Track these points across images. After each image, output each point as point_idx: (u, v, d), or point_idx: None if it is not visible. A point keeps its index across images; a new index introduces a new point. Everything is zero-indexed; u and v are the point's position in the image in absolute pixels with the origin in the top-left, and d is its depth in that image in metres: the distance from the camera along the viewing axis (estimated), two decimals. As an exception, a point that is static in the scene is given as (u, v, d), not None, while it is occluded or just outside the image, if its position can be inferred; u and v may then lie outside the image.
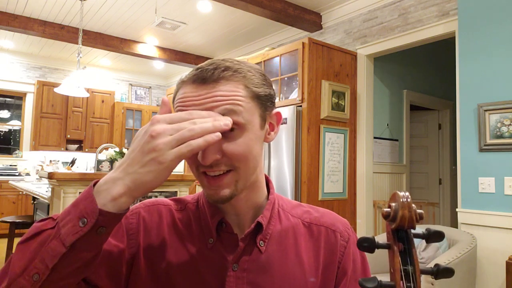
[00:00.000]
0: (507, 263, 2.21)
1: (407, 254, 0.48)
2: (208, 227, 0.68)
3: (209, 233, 0.67)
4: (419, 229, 0.48)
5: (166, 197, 2.79)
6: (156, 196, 2.76)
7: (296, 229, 0.71)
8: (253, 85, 0.63)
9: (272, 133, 0.69)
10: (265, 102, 0.65)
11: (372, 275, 0.51)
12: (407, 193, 0.48)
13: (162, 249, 0.67)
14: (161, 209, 0.71)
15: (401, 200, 0.47)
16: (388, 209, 0.49)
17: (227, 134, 0.60)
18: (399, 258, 0.47)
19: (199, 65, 0.63)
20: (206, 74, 0.61)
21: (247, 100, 0.62)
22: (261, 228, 0.67)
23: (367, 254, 0.73)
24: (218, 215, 0.67)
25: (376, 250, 0.48)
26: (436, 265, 0.47)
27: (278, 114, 0.69)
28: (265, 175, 0.73)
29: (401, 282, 0.46)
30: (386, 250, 0.50)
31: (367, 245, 0.48)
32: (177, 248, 0.67)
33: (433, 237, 0.48)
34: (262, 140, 0.67)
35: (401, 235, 0.49)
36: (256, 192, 0.69)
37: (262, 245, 0.67)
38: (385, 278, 0.46)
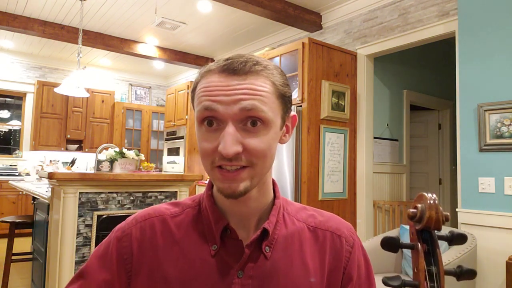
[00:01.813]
0: (507, 263, 2.21)
1: (431, 255, 0.48)
2: (211, 233, 0.66)
3: (212, 240, 0.66)
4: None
5: (166, 197, 2.79)
6: (156, 196, 2.76)
7: (302, 233, 0.70)
8: (279, 83, 0.63)
9: (287, 135, 0.69)
10: (287, 103, 0.65)
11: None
12: (434, 195, 0.48)
13: (159, 263, 0.65)
14: (153, 222, 0.69)
15: (428, 201, 0.47)
16: (414, 210, 0.49)
17: (250, 129, 0.60)
18: (424, 259, 0.47)
19: (228, 57, 0.63)
20: (237, 65, 0.60)
21: (273, 97, 0.62)
22: (266, 234, 0.66)
23: (371, 256, 0.72)
24: (222, 221, 0.66)
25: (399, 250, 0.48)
26: (459, 266, 0.47)
27: (294, 117, 0.69)
28: (273, 179, 0.72)
29: (425, 282, 0.46)
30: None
31: (391, 245, 0.48)
32: (177, 258, 0.65)
33: (457, 239, 0.48)
34: (278, 140, 0.66)
35: (425, 236, 0.49)
36: (264, 193, 0.68)
37: (267, 251, 0.66)
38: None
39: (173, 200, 0.75)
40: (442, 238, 0.49)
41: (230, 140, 0.58)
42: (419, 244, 0.48)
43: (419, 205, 0.49)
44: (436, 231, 0.49)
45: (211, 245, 0.65)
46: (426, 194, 0.48)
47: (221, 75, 0.61)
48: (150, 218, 0.69)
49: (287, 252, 0.67)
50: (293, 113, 0.69)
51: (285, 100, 0.65)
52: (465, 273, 0.46)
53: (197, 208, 0.71)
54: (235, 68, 0.60)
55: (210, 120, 0.60)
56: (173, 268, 0.64)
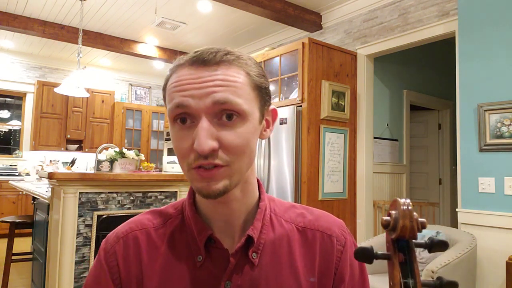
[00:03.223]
0: (507, 263, 2.21)
1: (408, 266, 0.45)
2: (195, 244, 0.63)
3: (197, 250, 0.63)
4: (426, 231, 0.44)
5: (166, 197, 2.79)
6: (156, 196, 2.76)
7: (290, 235, 0.67)
8: (254, 74, 0.60)
9: (268, 130, 0.66)
10: (264, 95, 0.62)
11: (371, 276, 0.49)
12: (408, 200, 0.45)
13: (145, 278, 0.63)
14: (137, 236, 0.66)
15: (402, 207, 0.44)
16: (388, 218, 0.46)
17: (226, 123, 0.56)
18: (399, 271, 0.44)
19: (198, 49, 0.59)
20: (207, 56, 0.57)
21: (248, 89, 0.58)
22: (252, 241, 0.63)
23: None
24: (206, 231, 0.63)
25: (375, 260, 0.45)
26: (439, 278, 0.44)
27: (274, 110, 0.66)
28: (257, 179, 0.69)
29: None
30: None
31: (365, 256, 0.45)
32: (162, 271, 0.63)
33: (436, 246, 0.45)
34: (258, 136, 0.63)
35: (401, 244, 0.46)
36: (247, 194, 0.65)
37: (255, 257, 0.63)
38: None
39: (154, 208, 0.72)
40: (421, 245, 0.46)
41: (204, 136, 0.54)
42: (394, 254, 0.45)
43: (393, 212, 0.45)
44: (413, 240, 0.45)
45: (196, 256, 0.63)
46: (399, 200, 0.44)
47: (191, 68, 0.57)
48: (133, 232, 0.66)
49: (275, 257, 0.64)
50: (272, 106, 0.66)
51: (262, 92, 0.61)
52: (445, 286, 0.43)
53: (179, 217, 0.68)
54: (205, 59, 0.57)
55: (183, 117, 0.57)
56: (160, 282, 0.62)
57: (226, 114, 0.56)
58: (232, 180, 0.58)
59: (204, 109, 0.55)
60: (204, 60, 0.57)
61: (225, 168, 0.57)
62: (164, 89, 0.62)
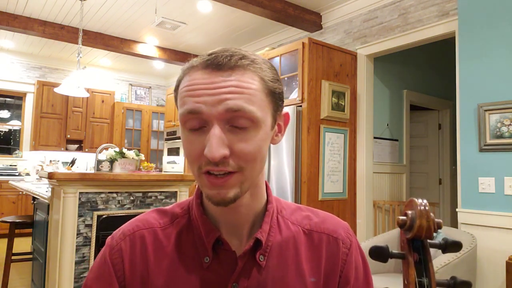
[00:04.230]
0: (507, 263, 2.21)
1: (423, 265, 0.45)
2: (203, 245, 0.63)
3: (204, 252, 0.62)
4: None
5: (166, 197, 2.78)
6: (156, 196, 2.75)
7: (297, 238, 0.67)
8: (269, 79, 0.59)
9: (280, 134, 0.65)
10: (277, 100, 0.61)
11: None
12: (425, 201, 0.45)
13: (151, 278, 0.62)
14: (143, 234, 0.65)
15: (419, 208, 0.44)
16: (404, 217, 0.46)
17: (238, 130, 0.55)
18: (414, 270, 0.44)
19: (212, 51, 0.58)
20: (221, 60, 0.55)
21: (262, 95, 0.57)
22: (260, 244, 0.63)
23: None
24: (214, 233, 0.62)
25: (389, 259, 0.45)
26: (453, 277, 0.44)
27: (287, 115, 0.65)
28: (265, 181, 0.69)
29: None
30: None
31: (380, 255, 0.45)
32: (168, 271, 0.62)
33: (450, 247, 0.45)
34: (269, 141, 0.62)
35: (416, 244, 0.46)
36: (256, 197, 0.65)
37: (262, 260, 0.63)
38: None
39: (160, 207, 0.71)
40: (435, 246, 0.46)
41: (215, 143, 0.53)
42: (409, 253, 0.45)
43: (409, 212, 0.45)
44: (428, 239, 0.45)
45: (203, 257, 0.62)
46: (416, 200, 0.45)
47: (205, 72, 0.56)
48: (140, 230, 0.66)
49: (282, 259, 0.64)
50: (285, 110, 0.64)
51: (275, 97, 0.60)
52: (459, 285, 0.43)
53: (186, 216, 0.67)
54: (220, 63, 0.55)
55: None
56: (165, 283, 0.61)
57: (239, 121, 0.55)
58: (243, 188, 0.58)
59: (217, 115, 0.54)
60: (218, 65, 0.55)
61: (236, 175, 0.56)
62: (176, 90, 0.61)
